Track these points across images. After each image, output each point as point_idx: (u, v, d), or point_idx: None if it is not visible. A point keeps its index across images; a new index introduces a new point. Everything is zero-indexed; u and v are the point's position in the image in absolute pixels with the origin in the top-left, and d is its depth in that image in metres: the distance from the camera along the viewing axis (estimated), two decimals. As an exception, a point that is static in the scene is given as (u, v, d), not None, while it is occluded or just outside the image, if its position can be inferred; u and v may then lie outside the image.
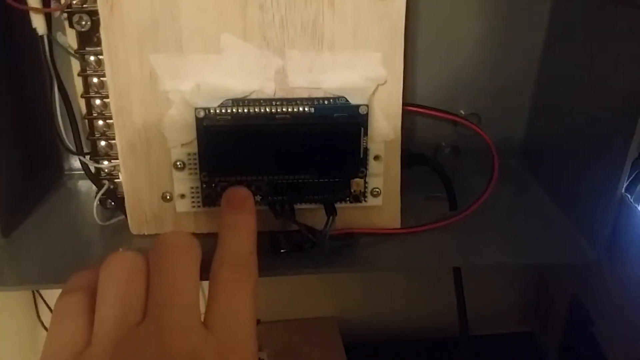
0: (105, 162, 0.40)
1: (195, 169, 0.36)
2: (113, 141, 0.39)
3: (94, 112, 0.39)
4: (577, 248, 0.39)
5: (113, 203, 0.41)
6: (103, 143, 0.40)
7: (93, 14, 0.35)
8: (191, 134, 0.36)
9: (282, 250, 0.37)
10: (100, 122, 0.39)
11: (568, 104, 0.42)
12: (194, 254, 0.29)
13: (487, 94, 0.47)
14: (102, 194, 0.41)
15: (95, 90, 0.38)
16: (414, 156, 0.41)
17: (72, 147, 0.40)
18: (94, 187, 0.41)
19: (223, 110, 0.35)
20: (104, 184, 0.41)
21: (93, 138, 0.40)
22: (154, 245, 0.29)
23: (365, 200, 0.38)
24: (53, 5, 0.35)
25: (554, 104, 0.45)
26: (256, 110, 0.35)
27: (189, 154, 0.36)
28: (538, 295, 0.55)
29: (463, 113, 0.47)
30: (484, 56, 0.46)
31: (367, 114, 0.36)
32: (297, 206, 0.38)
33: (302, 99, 0.36)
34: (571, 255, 0.39)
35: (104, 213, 0.42)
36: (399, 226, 0.40)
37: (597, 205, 0.38)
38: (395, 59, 0.36)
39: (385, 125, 0.37)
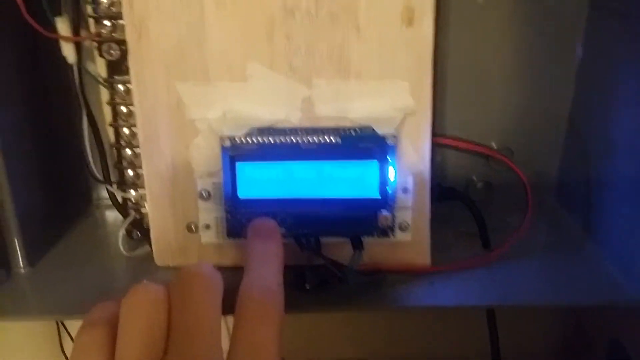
0: (132, 192, 0.40)
1: (221, 199, 0.36)
2: (140, 170, 0.39)
3: (122, 140, 0.39)
4: (616, 288, 0.37)
5: (139, 233, 0.41)
6: (130, 172, 0.40)
7: (122, 43, 0.36)
8: (217, 163, 0.35)
9: (307, 287, 0.36)
10: (128, 152, 0.39)
11: (604, 139, 0.41)
12: (216, 287, 0.28)
13: (520, 127, 0.46)
14: (129, 224, 0.40)
15: (124, 119, 0.39)
16: (445, 190, 0.40)
17: (100, 176, 0.40)
18: (121, 216, 0.41)
19: (249, 140, 0.34)
20: (131, 213, 0.40)
21: (121, 167, 0.40)
22: (176, 278, 0.28)
23: (393, 235, 0.37)
24: (83, 34, 0.36)
25: (589, 138, 0.43)
26: (282, 139, 0.35)
27: (214, 184, 0.36)
28: (575, 338, 0.53)
29: (495, 146, 0.46)
30: (517, 88, 0.45)
31: (395, 144, 0.35)
32: (323, 240, 0.37)
33: (328, 129, 0.35)
34: (610, 295, 0.37)
35: (130, 243, 0.41)
36: (429, 263, 0.38)
37: (637, 244, 0.36)
38: (424, 88, 0.35)
39: (414, 156, 0.36)
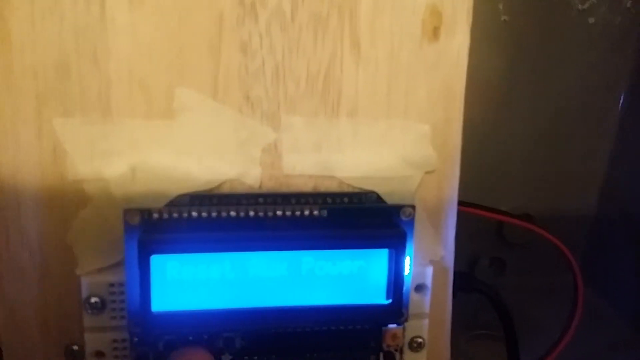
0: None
1: (122, 310, 0.22)
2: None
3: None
4: None
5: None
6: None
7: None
8: (117, 253, 0.21)
9: None
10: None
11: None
12: None
13: (541, 191, 0.35)
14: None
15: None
16: (458, 278, 0.28)
17: None
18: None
19: (174, 215, 0.21)
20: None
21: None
22: None
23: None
24: None
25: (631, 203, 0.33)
26: (231, 213, 0.21)
27: (111, 286, 0.22)
28: None
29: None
30: (540, 144, 0.34)
31: (412, 220, 0.22)
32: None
33: (306, 195, 0.22)
34: None
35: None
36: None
37: None
38: (452, 133, 0.23)
39: (433, 236, 0.24)
